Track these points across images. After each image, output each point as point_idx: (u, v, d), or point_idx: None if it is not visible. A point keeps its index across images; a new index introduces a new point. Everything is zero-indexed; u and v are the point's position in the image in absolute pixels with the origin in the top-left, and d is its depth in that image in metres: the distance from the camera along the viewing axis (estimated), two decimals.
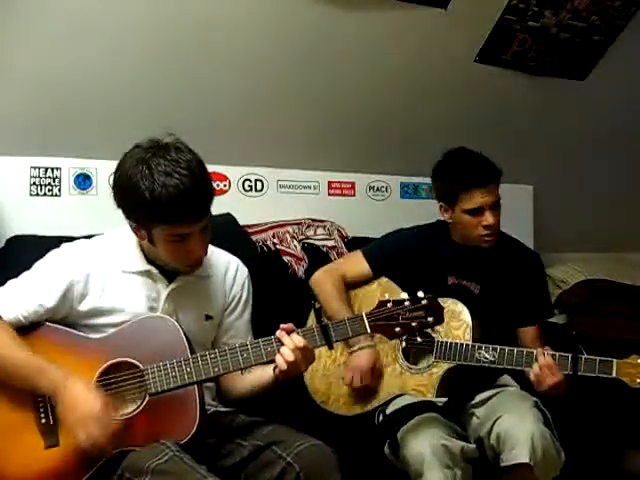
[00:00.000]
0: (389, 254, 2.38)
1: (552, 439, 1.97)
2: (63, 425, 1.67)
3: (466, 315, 2.18)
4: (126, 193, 1.72)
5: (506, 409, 2.04)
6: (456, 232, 2.36)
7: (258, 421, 1.86)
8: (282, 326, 1.76)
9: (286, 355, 1.72)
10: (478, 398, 2.19)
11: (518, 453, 1.92)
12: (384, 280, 2.37)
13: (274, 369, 1.81)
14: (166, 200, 1.66)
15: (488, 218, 2.24)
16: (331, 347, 1.79)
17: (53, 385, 1.66)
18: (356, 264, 2.40)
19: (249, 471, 1.76)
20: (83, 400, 1.64)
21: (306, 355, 1.75)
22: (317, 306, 1.92)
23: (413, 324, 1.76)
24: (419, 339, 1.81)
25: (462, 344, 2.13)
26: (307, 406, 2.29)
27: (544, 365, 2.01)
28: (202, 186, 1.71)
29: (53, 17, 2.34)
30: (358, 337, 2.10)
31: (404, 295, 1.78)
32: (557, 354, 2.03)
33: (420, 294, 1.78)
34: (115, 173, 1.76)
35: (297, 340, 1.73)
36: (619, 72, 3.13)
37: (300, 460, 1.69)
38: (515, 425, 1.96)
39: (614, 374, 1.97)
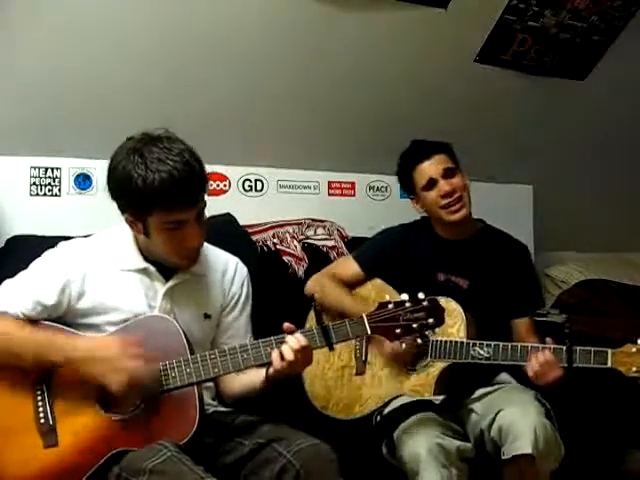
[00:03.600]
0: (379, 254, 2.39)
1: (553, 431, 1.97)
2: (95, 382, 1.68)
3: (460, 312, 2.18)
4: (120, 183, 1.73)
5: (507, 402, 2.04)
6: (436, 224, 2.36)
7: (258, 420, 1.86)
8: (285, 326, 1.76)
9: (286, 354, 1.72)
10: (476, 394, 2.19)
11: (521, 444, 1.91)
12: (378, 282, 2.37)
13: (267, 370, 1.81)
14: (159, 185, 1.66)
15: (443, 186, 2.26)
16: (331, 348, 1.79)
17: (64, 351, 1.68)
18: (348, 267, 2.41)
19: (249, 469, 1.76)
20: (101, 346, 1.68)
21: (305, 356, 1.75)
22: (318, 307, 1.91)
23: (414, 325, 1.76)
24: (419, 341, 1.81)
25: (457, 342, 2.13)
26: (306, 408, 2.29)
27: (543, 363, 2.01)
28: (195, 171, 1.72)
29: (54, 18, 2.34)
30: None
31: (404, 296, 1.78)
32: (552, 346, 2.03)
33: (421, 295, 1.78)
34: (109, 165, 1.76)
35: (301, 340, 1.73)
36: (619, 72, 3.13)
37: (300, 458, 1.69)
38: (518, 417, 1.96)
39: (609, 364, 1.97)
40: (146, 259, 1.85)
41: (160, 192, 1.67)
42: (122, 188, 1.73)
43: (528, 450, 1.90)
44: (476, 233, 2.37)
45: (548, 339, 2.07)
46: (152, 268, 1.85)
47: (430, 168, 2.28)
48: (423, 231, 2.40)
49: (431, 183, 2.28)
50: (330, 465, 1.71)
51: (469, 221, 2.33)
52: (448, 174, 2.27)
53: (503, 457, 1.96)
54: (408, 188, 2.38)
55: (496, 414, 2.01)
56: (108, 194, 1.78)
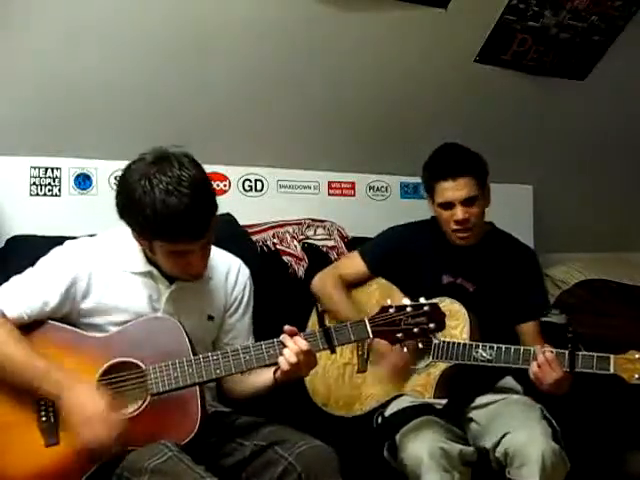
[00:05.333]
0: (385, 252, 2.38)
1: (561, 453, 1.94)
2: (67, 426, 1.67)
3: (463, 314, 2.18)
4: (128, 208, 1.73)
5: (514, 424, 2.00)
6: (443, 228, 2.36)
7: (259, 421, 1.86)
8: (285, 329, 1.76)
9: (288, 357, 1.72)
10: (478, 401, 2.18)
11: (528, 472, 1.89)
12: (382, 281, 2.37)
13: (275, 372, 1.81)
14: (166, 219, 1.66)
15: (458, 213, 2.22)
16: (333, 351, 1.80)
17: (56, 388, 1.67)
18: (353, 265, 2.41)
19: (250, 471, 1.76)
20: (88, 401, 1.65)
21: (308, 359, 1.76)
22: (320, 309, 1.91)
23: (415, 330, 1.77)
24: (420, 345, 1.82)
25: (459, 343, 2.13)
26: (307, 408, 2.29)
27: (543, 362, 1.99)
28: (203, 205, 1.70)
29: (54, 18, 2.34)
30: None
31: (406, 301, 1.79)
32: (554, 351, 2.02)
33: (422, 300, 1.78)
34: (117, 185, 1.76)
35: (301, 344, 1.74)
36: (619, 72, 3.13)
37: (302, 460, 1.69)
38: (525, 444, 1.92)
39: (612, 370, 1.96)
40: (150, 262, 1.85)
41: (166, 226, 1.67)
42: (129, 212, 1.73)
43: (536, 479, 1.89)
44: (484, 237, 2.34)
45: (547, 345, 2.06)
46: (156, 271, 1.85)
47: (451, 191, 2.21)
48: (430, 232, 2.37)
49: (448, 205, 2.24)
50: (331, 467, 1.72)
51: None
52: (468, 202, 2.22)
53: (508, 476, 1.95)
54: (427, 190, 2.33)
55: (502, 437, 1.98)
56: (115, 211, 1.77)
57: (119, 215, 1.76)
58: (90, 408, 1.64)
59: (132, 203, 1.69)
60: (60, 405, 1.67)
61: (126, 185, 1.72)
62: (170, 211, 1.65)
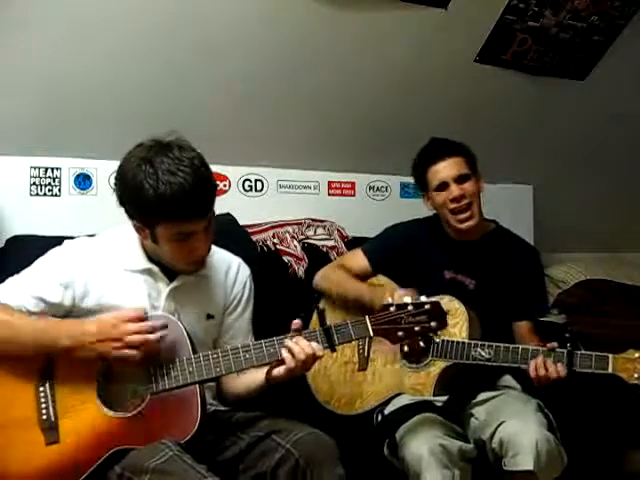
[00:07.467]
0: (387, 250, 2.40)
1: (556, 443, 1.96)
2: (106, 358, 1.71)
3: (462, 312, 2.18)
4: (130, 192, 1.73)
5: (509, 414, 2.02)
6: (445, 223, 2.36)
7: (257, 415, 1.87)
8: (294, 322, 1.76)
9: (297, 352, 1.72)
10: (479, 398, 2.18)
11: (522, 460, 1.90)
12: (383, 279, 2.38)
13: (268, 372, 1.81)
14: (170, 197, 1.66)
15: (453, 191, 2.26)
16: (334, 350, 1.79)
17: (71, 332, 1.70)
18: (356, 261, 2.42)
19: (247, 462, 1.76)
20: (107, 325, 1.70)
21: (306, 359, 1.74)
22: (321, 308, 1.91)
23: (416, 328, 1.76)
24: (422, 344, 1.82)
25: (458, 342, 2.13)
26: (308, 407, 2.30)
27: (540, 362, 2.00)
28: (205, 183, 1.72)
29: (54, 18, 2.34)
30: None
31: (407, 299, 1.79)
32: (554, 350, 2.02)
33: (423, 298, 1.78)
34: (118, 172, 1.76)
35: (316, 349, 1.73)
36: (619, 72, 3.13)
37: (299, 447, 1.70)
38: (519, 431, 1.94)
39: (610, 370, 1.96)
40: (150, 260, 1.86)
41: (171, 204, 1.67)
42: (132, 197, 1.73)
43: (530, 467, 1.89)
44: (486, 234, 2.36)
45: (549, 345, 2.05)
46: (156, 269, 1.85)
47: (444, 170, 2.27)
48: (433, 229, 2.39)
49: (443, 186, 2.27)
50: (330, 453, 1.72)
51: (479, 223, 2.32)
52: (461, 179, 2.27)
53: (505, 468, 1.95)
54: (421, 185, 2.37)
55: (497, 426, 1.99)
56: (116, 200, 1.78)
57: (119, 203, 1.77)
58: (113, 328, 1.69)
59: (135, 187, 1.70)
60: (82, 350, 1.69)
61: (127, 171, 1.72)
62: (175, 190, 1.66)
